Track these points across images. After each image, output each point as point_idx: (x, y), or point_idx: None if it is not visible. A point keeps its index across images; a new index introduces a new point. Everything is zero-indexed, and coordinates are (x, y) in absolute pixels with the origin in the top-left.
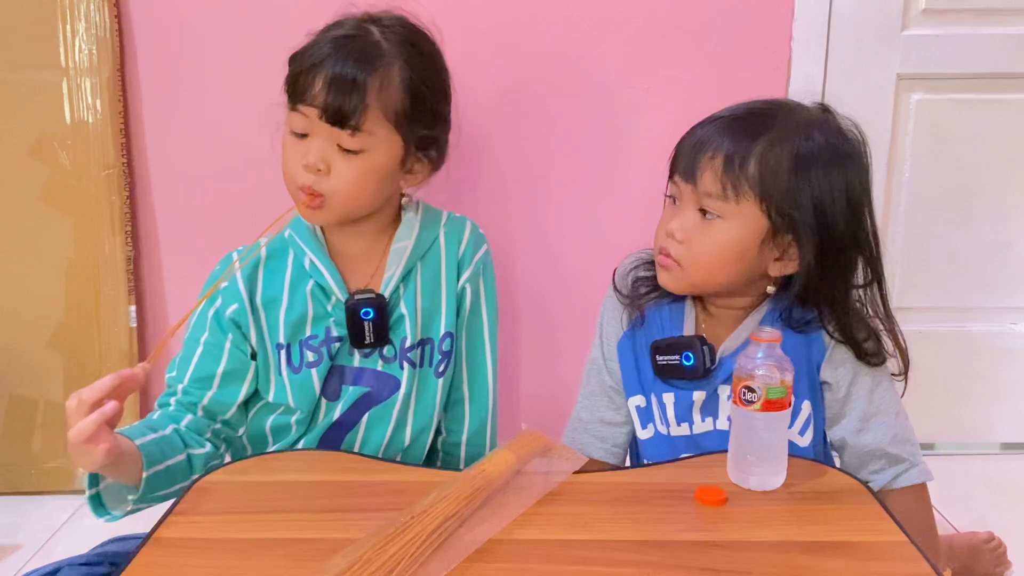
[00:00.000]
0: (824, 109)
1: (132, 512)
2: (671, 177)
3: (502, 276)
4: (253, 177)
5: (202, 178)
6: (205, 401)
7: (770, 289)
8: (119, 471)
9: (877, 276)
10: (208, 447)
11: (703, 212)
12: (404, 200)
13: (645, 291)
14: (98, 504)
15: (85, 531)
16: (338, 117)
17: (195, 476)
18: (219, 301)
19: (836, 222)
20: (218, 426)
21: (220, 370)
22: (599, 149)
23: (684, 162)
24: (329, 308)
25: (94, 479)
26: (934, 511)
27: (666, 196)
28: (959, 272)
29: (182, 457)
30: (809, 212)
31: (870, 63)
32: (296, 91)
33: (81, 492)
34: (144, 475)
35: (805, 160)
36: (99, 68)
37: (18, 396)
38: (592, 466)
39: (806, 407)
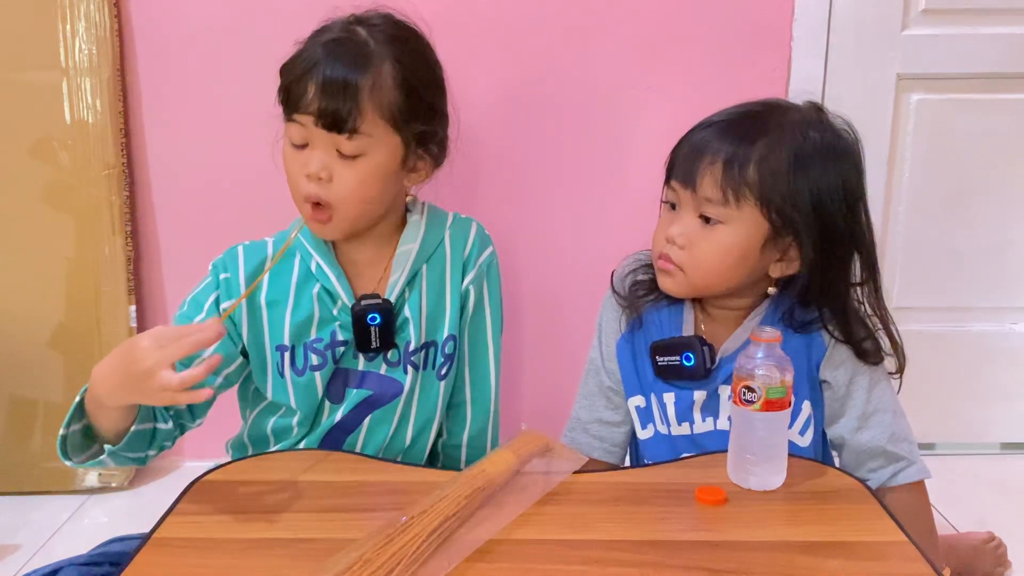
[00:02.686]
0: (817, 108)
1: (87, 465)
2: (668, 182)
3: (504, 276)
4: (253, 177)
5: (202, 178)
6: None
7: (771, 290)
8: (118, 415)
9: (873, 273)
10: (170, 424)
11: (703, 217)
12: (409, 201)
13: (643, 294)
14: (63, 446)
15: (85, 531)
16: (334, 122)
17: (151, 451)
18: (219, 291)
19: (835, 220)
20: (183, 407)
21: (205, 354)
22: (600, 149)
23: (682, 168)
24: (335, 312)
25: (71, 419)
26: (934, 511)
27: (663, 202)
28: (959, 272)
29: (150, 426)
30: (809, 212)
31: (870, 63)
32: (290, 101)
33: (81, 492)
34: (132, 428)
35: (803, 161)
36: (99, 68)
37: (18, 396)
38: (592, 466)
39: (806, 407)
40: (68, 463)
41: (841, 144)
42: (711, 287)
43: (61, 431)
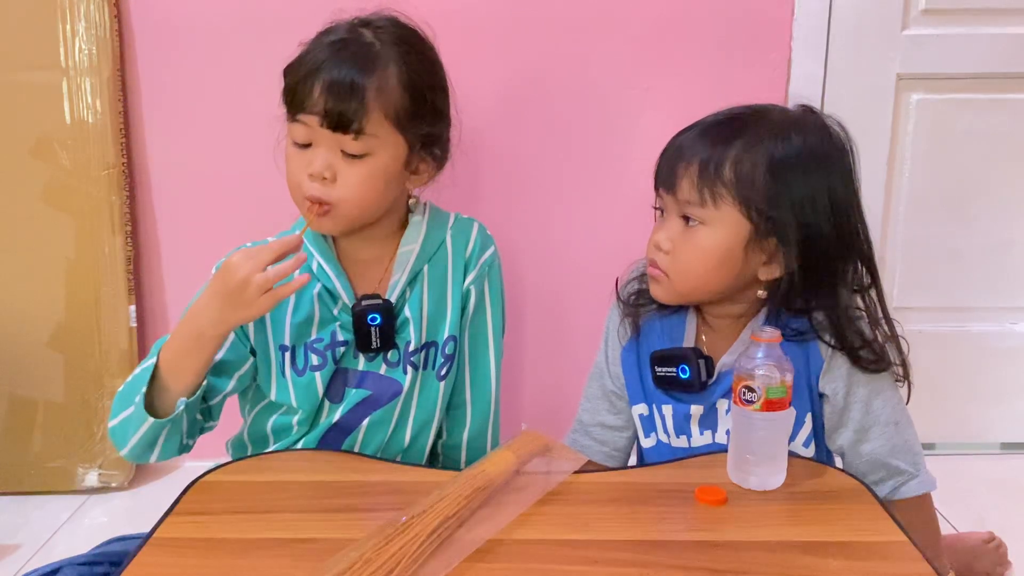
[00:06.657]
0: (808, 111)
1: (163, 424)
2: (656, 190)
3: (506, 276)
4: (253, 177)
5: (202, 178)
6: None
7: (761, 293)
8: (200, 363)
9: (874, 280)
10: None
11: (686, 220)
12: (412, 202)
13: (643, 303)
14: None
15: (85, 531)
16: (340, 122)
17: (179, 444)
18: None
19: (820, 223)
20: (203, 406)
21: (218, 357)
22: (600, 149)
23: (664, 173)
24: (336, 312)
25: (145, 381)
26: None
27: (654, 209)
28: (959, 272)
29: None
30: (789, 213)
31: (870, 63)
32: (295, 101)
33: (81, 492)
34: (204, 383)
35: (781, 162)
36: (99, 68)
37: (18, 396)
38: (591, 467)
39: (808, 421)
40: (147, 424)
41: (826, 147)
42: (696, 291)
43: (138, 400)
